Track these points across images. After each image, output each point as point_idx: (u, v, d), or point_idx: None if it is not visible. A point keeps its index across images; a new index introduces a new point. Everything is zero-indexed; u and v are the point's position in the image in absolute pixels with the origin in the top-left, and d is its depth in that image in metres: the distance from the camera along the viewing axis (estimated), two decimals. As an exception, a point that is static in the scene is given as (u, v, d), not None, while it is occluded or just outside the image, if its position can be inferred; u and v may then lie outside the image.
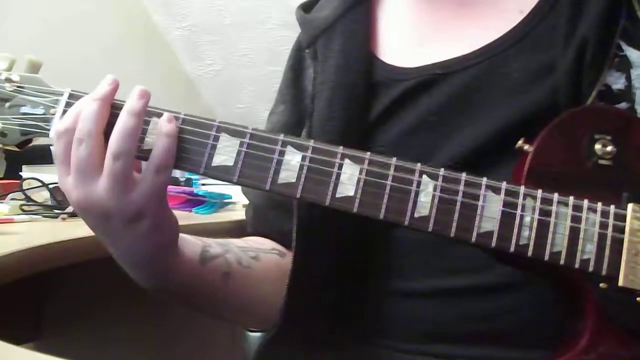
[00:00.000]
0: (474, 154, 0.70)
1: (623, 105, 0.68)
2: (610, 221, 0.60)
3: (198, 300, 0.77)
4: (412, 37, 0.79)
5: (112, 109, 0.63)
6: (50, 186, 1.29)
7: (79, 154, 0.61)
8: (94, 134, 0.61)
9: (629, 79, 0.68)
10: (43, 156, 1.56)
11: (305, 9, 0.86)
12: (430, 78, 0.74)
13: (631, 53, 0.69)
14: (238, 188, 1.41)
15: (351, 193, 0.61)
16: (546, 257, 0.59)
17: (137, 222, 0.63)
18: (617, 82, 0.68)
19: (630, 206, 0.61)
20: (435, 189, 0.60)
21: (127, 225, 0.63)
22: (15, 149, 0.68)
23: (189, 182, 1.54)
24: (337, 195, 0.61)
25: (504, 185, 0.61)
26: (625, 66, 0.68)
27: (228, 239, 0.81)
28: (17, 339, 0.54)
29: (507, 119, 0.70)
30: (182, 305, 0.79)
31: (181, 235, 0.71)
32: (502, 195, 0.60)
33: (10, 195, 1.29)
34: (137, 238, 0.64)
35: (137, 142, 0.62)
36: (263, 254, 0.80)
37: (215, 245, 0.76)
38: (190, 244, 0.73)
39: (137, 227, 0.63)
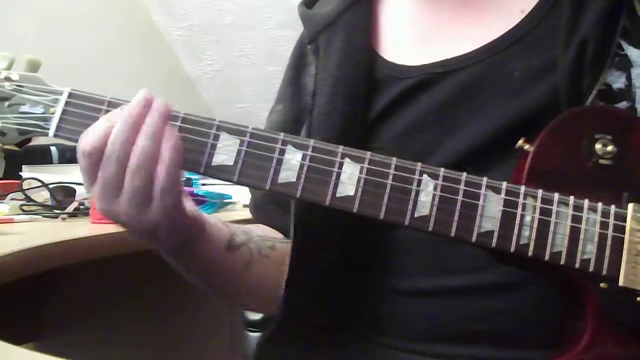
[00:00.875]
0: (474, 152, 0.70)
1: (624, 104, 0.68)
2: (611, 221, 0.60)
3: (221, 284, 0.79)
4: (413, 35, 0.80)
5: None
6: (50, 186, 1.29)
7: (106, 172, 0.62)
8: (123, 155, 0.61)
9: (629, 78, 0.68)
10: (43, 156, 1.57)
11: (308, 4, 0.87)
12: (431, 77, 0.74)
13: (631, 52, 0.69)
14: (238, 188, 1.41)
15: (351, 192, 0.61)
16: (546, 257, 0.59)
17: (154, 232, 0.64)
18: (618, 81, 0.68)
19: (630, 206, 0.61)
20: (435, 189, 0.60)
21: (145, 235, 0.65)
22: (15, 148, 0.68)
23: (189, 182, 1.54)
24: (338, 195, 0.61)
25: (504, 185, 0.60)
26: (625, 65, 0.68)
27: (248, 226, 0.83)
28: (17, 339, 0.54)
29: (507, 118, 0.70)
30: (204, 287, 0.81)
31: (211, 221, 0.73)
32: (503, 195, 0.60)
33: (10, 195, 1.29)
34: (157, 241, 0.67)
35: (156, 158, 0.62)
36: (278, 243, 0.81)
37: (240, 233, 0.78)
38: (219, 230, 0.75)
39: (155, 236, 0.65)
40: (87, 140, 0.62)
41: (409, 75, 0.76)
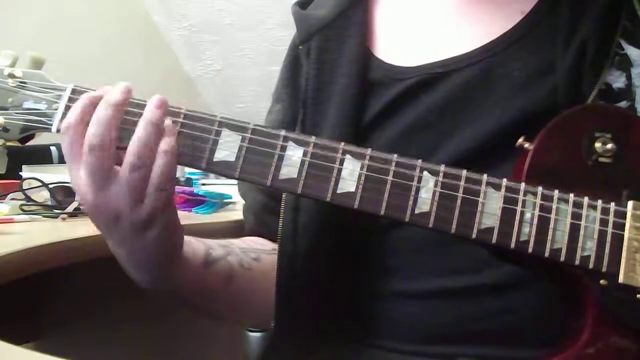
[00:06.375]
0: (474, 152, 0.70)
1: (623, 103, 0.68)
2: (611, 218, 0.60)
3: (200, 302, 0.77)
4: (411, 36, 0.79)
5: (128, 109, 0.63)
6: (50, 186, 1.29)
7: (91, 158, 0.61)
8: (107, 139, 0.61)
9: (629, 77, 0.68)
10: (43, 156, 1.57)
11: (302, 5, 0.86)
12: (429, 77, 0.74)
13: (631, 52, 0.69)
14: (238, 188, 1.42)
15: (352, 189, 0.61)
16: (546, 254, 0.59)
17: (146, 229, 0.63)
18: (618, 81, 0.68)
19: (630, 204, 0.61)
20: (436, 185, 0.60)
21: (136, 231, 0.63)
22: (17, 144, 0.68)
23: (189, 182, 1.54)
24: (338, 191, 0.61)
25: (504, 181, 0.61)
26: (625, 65, 0.69)
27: (229, 239, 0.81)
28: (17, 339, 0.54)
29: (507, 118, 0.70)
30: (183, 306, 0.79)
31: (185, 238, 0.71)
32: (503, 192, 0.60)
33: (10, 195, 1.29)
34: (144, 243, 0.65)
35: (154, 154, 0.61)
36: (264, 254, 0.80)
37: (217, 247, 0.76)
38: (194, 247, 0.73)
39: (146, 234, 0.63)
40: (65, 118, 0.62)
41: (408, 75, 0.75)
